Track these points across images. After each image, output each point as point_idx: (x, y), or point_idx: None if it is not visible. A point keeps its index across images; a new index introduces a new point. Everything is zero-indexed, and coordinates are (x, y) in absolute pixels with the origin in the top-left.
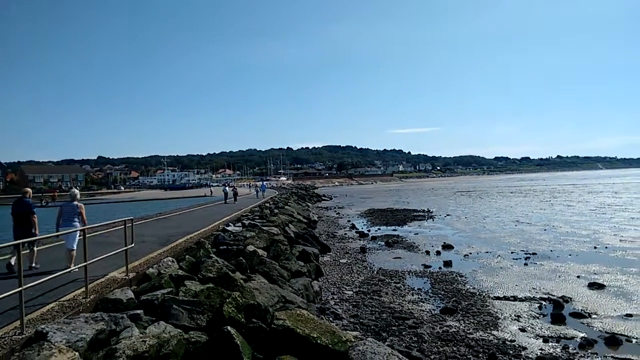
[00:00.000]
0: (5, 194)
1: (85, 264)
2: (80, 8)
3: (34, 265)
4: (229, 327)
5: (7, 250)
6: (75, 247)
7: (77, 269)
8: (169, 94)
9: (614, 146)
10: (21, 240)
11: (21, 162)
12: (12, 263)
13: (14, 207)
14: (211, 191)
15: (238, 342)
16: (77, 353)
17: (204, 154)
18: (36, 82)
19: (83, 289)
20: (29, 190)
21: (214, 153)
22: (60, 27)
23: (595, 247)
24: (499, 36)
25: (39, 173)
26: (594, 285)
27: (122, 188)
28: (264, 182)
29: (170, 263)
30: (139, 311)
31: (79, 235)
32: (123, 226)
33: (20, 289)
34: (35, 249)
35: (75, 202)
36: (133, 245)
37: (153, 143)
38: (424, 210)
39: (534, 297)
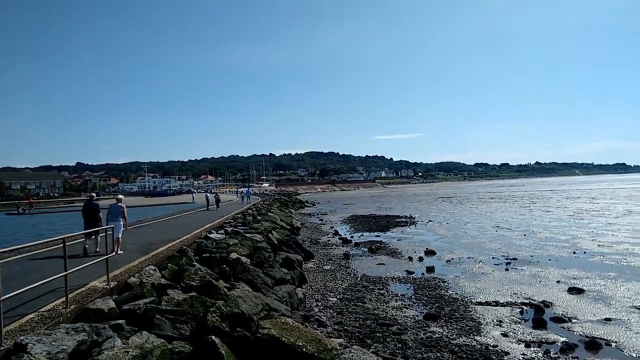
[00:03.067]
0: None
1: (64, 273)
2: (57, 11)
3: (97, 249)
4: (213, 337)
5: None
6: (120, 236)
7: (122, 252)
8: (149, 99)
9: (591, 152)
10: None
11: None
12: (86, 247)
13: (85, 207)
14: (193, 197)
15: (223, 352)
16: None
17: (185, 160)
18: (12, 87)
19: (63, 298)
20: (94, 195)
21: (196, 159)
22: (37, 30)
23: (574, 252)
24: (481, 42)
25: (15, 179)
26: (574, 290)
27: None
28: (249, 189)
29: (152, 272)
30: (121, 321)
31: (123, 227)
32: (103, 234)
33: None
34: (99, 238)
35: (120, 204)
36: (114, 254)
37: (133, 149)
38: (406, 216)
39: (515, 302)
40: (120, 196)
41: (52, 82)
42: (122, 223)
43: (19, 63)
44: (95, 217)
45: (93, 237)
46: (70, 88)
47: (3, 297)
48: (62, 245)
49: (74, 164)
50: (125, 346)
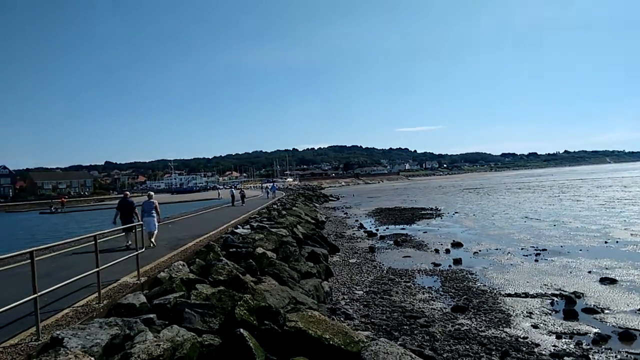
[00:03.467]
0: (15, 201)
1: (97, 269)
2: (80, 11)
3: (129, 243)
4: (241, 330)
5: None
6: (154, 230)
7: (157, 244)
8: (174, 98)
9: (622, 140)
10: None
11: (30, 170)
12: (129, 243)
13: (120, 204)
14: (219, 194)
15: (251, 345)
16: (92, 358)
17: (210, 157)
18: (43, 90)
19: (96, 294)
20: (128, 193)
21: (220, 156)
22: (64, 31)
23: (605, 242)
24: (506, 33)
25: (47, 180)
26: (606, 280)
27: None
28: (274, 184)
29: (180, 267)
30: (152, 315)
31: (157, 222)
32: (133, 231)
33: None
34: (132, 233)
35: (152, 200)
36: (144, 249)
37: (159, 147)
38: (431, 209)
39: (545, 293)
40: (152, 193)
41: (80, 83)
42: (155, 218)
43: (48, 64)
44: (131, 213)
45: (130, 232)
46: (97, 88)
47: (40, 293)
48: (93, 242)
49: (103, 163)
50: (157, 339)
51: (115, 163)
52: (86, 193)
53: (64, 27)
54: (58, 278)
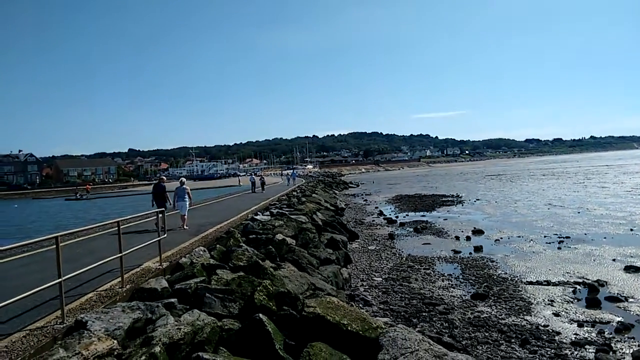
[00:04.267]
0: (42, 188)
1: (120, 255)
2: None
3: (162, 226)
4: (260, 315)
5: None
6: (186, 213)
7: (188, 227)
8: (195, 86)
9: None
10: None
11: (56, 157)
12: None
13: (155, 188)
14: (239, 181)
15: (270, 329)
16: (115, 341)
17: (230, 144)
18: (69, 79)
19: (119, 279)
20: (164, 178)
21: (241, 143)
22: (87, 20)
23: (631, 230)
24: (529, 15)
25: (72, 167)
26: (631, 269)
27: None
28: (294, 171)
29: (201, 252)
30: (173, 300)
31: (189, 206)
32: (155, 217)
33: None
34: (164, 216)
35: (184, 186)
36: (166, 235)
37: (181, 135)
38: (452, 195)
39: (567, 281)
40: (184, 179)
41: (105, 74)
42: (187, 202)
43: (74, 55)
44: (163, 197)
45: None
46: (119, 77)
47: (64, 278)
48: (116, 227)
49: (126, 151)
50: (178, 323)
51: (138, 150)
52: (110, 180)
53: (89, 17)
54: (83, 263)
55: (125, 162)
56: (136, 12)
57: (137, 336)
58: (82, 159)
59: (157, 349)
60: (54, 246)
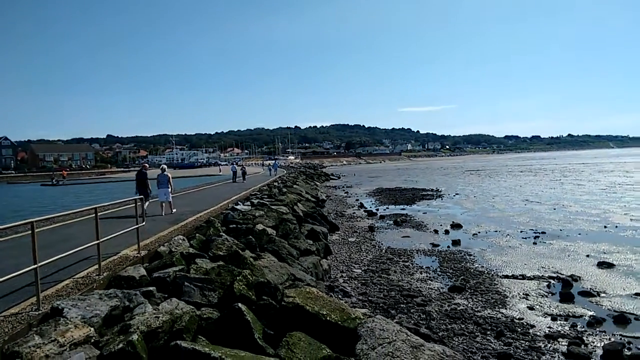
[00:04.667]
0: (17, 172)
1: (97, 242)
2: None
3: (146, 212)
4: (240, 304)
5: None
6: (168, 199)
7: (175, 211)
8: (177, 73)
9: (626, 125)
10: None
11: (31, 141)
12: (145, 209)
13: (138, 175)
14: (220, 170)
15: (249, 319)
16: (92, 328)
17: (212, 133)
18: (46, 62)
19: (96, 266)
20: (147, 165)
21: (222, 132)
22: (68, 8)
23: (605, 227)
24: (511, 8)
25: (49, 152)
26: (604, 265)
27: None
28: (276, 161)
29: (181, 241)
30: (151, 288)
31: (170, 193)
32: (134, 205)
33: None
34: (148, 201)
35: (165, 172)
36: (144, 223)
37: (161, 122)
38: (432, 190)
39: (542, 275)
40: (165, 166)
41: (84, 58)
42: (169, 189)
43: (52, 38)
44: (145, 184)
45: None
46: (99, 62)
47: (40, 264)
48: (94, 214)
49: (105, 137)
50: (156, 312)
51: (117, 137)
52: (88, 166)
53: (69, 5)
54: (59, 249)
55: (104, 148)
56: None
57: (114, 324)
58: (59, 144)
59: (135, 337)
60: (29, 232)
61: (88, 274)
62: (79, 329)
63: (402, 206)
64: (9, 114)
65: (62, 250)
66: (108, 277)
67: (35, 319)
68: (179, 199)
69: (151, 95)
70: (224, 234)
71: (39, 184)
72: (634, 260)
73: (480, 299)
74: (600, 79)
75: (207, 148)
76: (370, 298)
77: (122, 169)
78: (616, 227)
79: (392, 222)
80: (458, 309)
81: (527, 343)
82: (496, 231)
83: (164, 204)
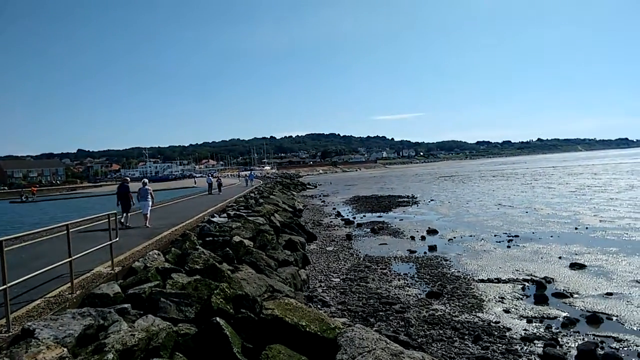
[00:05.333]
0: None
1: (69, 259)
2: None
3: (128, 224)
4: (217, 318)
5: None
6: (148, 213)
7: (151, 225)
8: (148, 84)
9: (593, 128)
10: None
11: None
12: (122, 221)
13: (119, 188)
14: (195, 182)
15: (227, 333)
16: (65, 349)
17: (186, 145)
18: (12, 78)
19: (69, 284)
20: (128, 179)
21: (197, 144)
22: (37, 19)
23: (576, 228)
24: (480, 19)
25: (17, 168)
26: (575, 266)
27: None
28: (252, 172)
29: (156, 256)
30: (126, 305)
31: (150, 206)
32: (107, 220)
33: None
34: (129, 214)
35: (147, 187)
36: (117, 239)
37: (134, 135)
38: (408, 196)
39: (517, 278)
40: (146, 180)
41: (52, 71)
42: (150, 202)
43: (19, 55)
44: (127, 197)
45: (127, 214)
46: (68, 75)
47: (10, 284)
48: (65, 231)
49: (75, 151)
50: (132, 329)
51: (88, 151)
52: (58, 182)
53: (37, 18)
54: (30, 268)
55: (75, 163)
56: (88, 8)
57: (88, 343)
58: (28, 159)
59: (110, 355)
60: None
61: (60, 292)
62: (51, 350)
63: (378, 214)
64: None
65: (33, 269)
66: (81, 295)
67: (5, 342)
68: (154, 212)
69: (122, 108)
70: (200, 247)
71: (8, 202)
72: (604, 260)
73: (457, 303)
74: (569, 83)
75: (182, 160)
76: (349, 307)
77: (92, 184)
78: (586, 228)
79: (369, 229)
80: (436, 314)
81: (504, 346)
82: (471, 236)
83: (144, 215)
